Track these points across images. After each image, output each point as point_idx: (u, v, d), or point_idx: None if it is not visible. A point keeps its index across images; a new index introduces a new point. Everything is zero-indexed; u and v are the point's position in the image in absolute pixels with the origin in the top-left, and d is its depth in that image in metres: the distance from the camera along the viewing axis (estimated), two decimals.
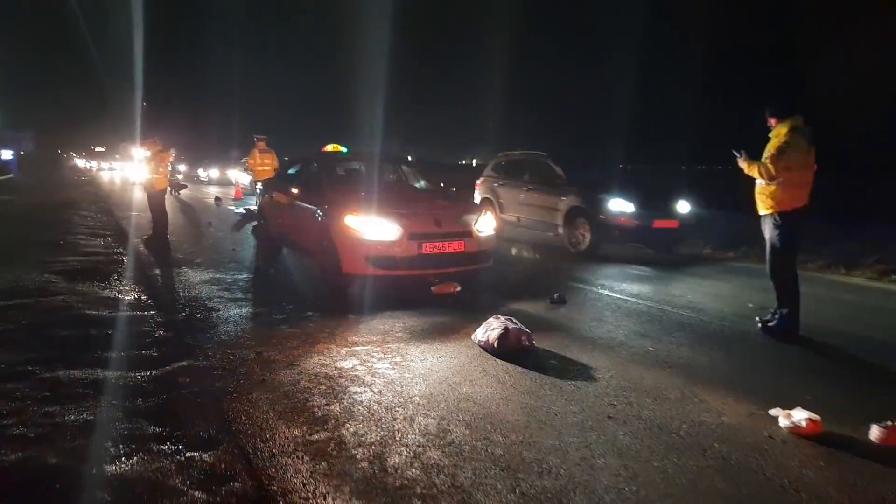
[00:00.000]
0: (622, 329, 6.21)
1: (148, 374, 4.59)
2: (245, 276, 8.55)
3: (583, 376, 4.85)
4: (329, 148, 9.94)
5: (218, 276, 8.46)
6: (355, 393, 4.37)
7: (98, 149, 78.28)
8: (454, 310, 6.84)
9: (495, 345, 5.13)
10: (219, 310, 6.56)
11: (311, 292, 7.54)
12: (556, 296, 7.19)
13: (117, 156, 58.15)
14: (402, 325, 6.11)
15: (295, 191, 8.49)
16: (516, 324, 5.32)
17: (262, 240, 10.14)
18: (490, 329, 5.28)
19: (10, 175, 37.36)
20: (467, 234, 7.43)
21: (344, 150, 10.10)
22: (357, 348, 5.36)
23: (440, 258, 7.22)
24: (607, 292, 7.99)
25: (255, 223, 13.20)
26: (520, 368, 4.92)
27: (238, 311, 6.56)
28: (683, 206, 11.41)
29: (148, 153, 11.25)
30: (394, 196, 7.91)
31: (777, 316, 6.16)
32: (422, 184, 8.98)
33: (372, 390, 4.44)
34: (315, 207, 7.96)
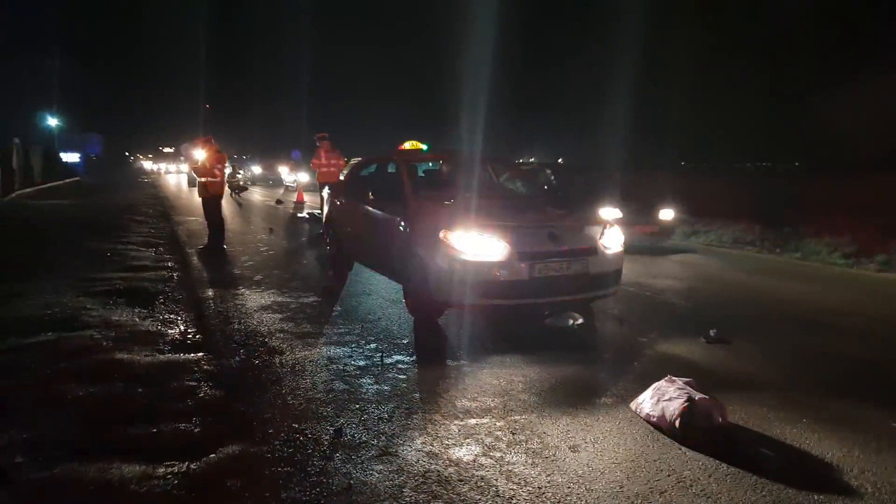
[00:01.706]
0: (818, 382, 4.49)
1: (182, 468, 3.16)
2: (312, 298, 7.14)
3: (822, 477, 3.20)
4: (407, 146, 8.47)
5: (281, 298, 7.07)
6: None
7: (166, 150, 79.02)
8: (582, 352, 5.23)
9: (677, 424, 3.50)
10: (282, 352, 5.12)
11: (394, 324, 6.05)
12: (713, 333, 5.48)
13: (181, 157, 58.73)
14: (523, 380, 4.53)
15: (371, 196, 7.04)
16: (701, 393, 3.67)
17: (332, 253, 8.75)
18: (664, 398, 3.65)
19: (77, 178, 37.52)
20: (591, 251, 5.81)
21: (424, 148, 8.62)
22: (472, 422, 3.82)
23: (557, 283, 5.63)
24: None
25: (319, 231, 11.95)
26: (725, 467, 3.29)
27: (306, 353, 5.11)
28: (667, 214, 12.05)
29: (203, 154, 10.04)
30: (495, 205, 6.34)
31: None
32: (525, 188, 7.38)
33: None
34: (397, 218, 6.48)
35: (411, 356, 5.08)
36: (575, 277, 5.69)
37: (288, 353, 5.07)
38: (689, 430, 3.45)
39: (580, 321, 5.81)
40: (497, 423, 3.79)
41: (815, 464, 3.40)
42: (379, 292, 7.40)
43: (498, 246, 5.51)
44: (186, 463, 3.21)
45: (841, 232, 11.88)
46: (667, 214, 12.07)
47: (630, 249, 7.43)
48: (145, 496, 2.92)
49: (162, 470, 3.14)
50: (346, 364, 4.84)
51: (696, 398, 3.54)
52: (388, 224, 6.74)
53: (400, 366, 4.83)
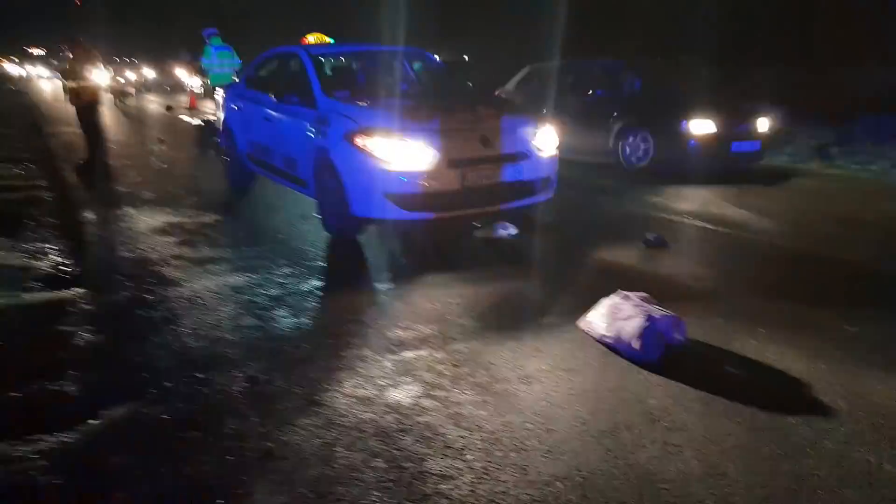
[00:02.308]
0: (773, 285, 4.26)
1: (53, 443, 2.53)
2: (212, 217, 6.34)
3: (793, 396, 2.94)
4: (311, 39, 7.51)
5: (175, 219, 6.23)
6: (438, 477, 2.38)
7: (35, 51, 69.52)
8: (519, 266, 4.80)
9: (636, 346, 3.14)
10: (178, 283, 4.42)
11: (308, 244, 5.40)
12: (651, 237, 5.16)
13: (54, 61, 52.02)
14: (459, 302, 4.05)
15: (274, 98, 6.16)
16: (661, 309, 3.30)
17: (231, 165, 7.83)
18: (619, 317, 3.26)
19: None
20: (525, 155, 5.29)
21: (331, 42, 7.68)
22: (408, 355, 3.33)
23: (491, 191, 5.12)
24: (696, 222, 5.99)
25: (215, 139, 10.84)
26: (692, 391, 2.96)
27: (207, 282, 4.43)
28: (763, 125, 8.79)
29: (71, 55, 8.67)
30: (420, 106, 5.65)
31: None
32: (451, 86, 6.67)
33: (467, 464, 2.45)
34: (306, 122, 5.69)
35: (331, 281, 4.49)
36: (509, 184, 5.19)
37: (186, 284, 4.37)
38: (649, 351, 3.09)
39: (513, 231, 5.35)
40: (436, 355, 3.32)
41: (782, 380, 3.13)
42: (288, 208, 6.67)
43: (425, 152, 4.89)
44: (59, 436, 2.58)
45: None
46: (762, 125, 8.66)
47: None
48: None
49: (25, 448, 2.49)
50: (255, 294, 4.20)
51: (657, 316, 3.17)
52: (295, 130, 5.94)
53: (319, 293, 4.25)
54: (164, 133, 13.91)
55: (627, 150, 8.65)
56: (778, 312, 3.89)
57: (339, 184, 5.18)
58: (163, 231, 5.78)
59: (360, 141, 4.99)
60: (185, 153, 10.99)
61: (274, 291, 4.24)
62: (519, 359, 3.28)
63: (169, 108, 19.91)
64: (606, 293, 3.67)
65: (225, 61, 12.19)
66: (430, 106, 5.63)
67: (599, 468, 2.44)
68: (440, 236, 5.24)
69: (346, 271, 4.67)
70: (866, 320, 3.77)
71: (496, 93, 10.01)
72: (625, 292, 3.39)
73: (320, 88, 5.87)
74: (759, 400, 2.90)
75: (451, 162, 4.93)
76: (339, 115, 5.42)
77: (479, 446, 2.57)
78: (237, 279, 4.49)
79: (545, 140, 5.52)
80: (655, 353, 3.13)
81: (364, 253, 5.06)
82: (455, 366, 3.21)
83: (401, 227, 5.12)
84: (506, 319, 3.77)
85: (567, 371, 3.15)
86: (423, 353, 3.34)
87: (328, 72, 6.52)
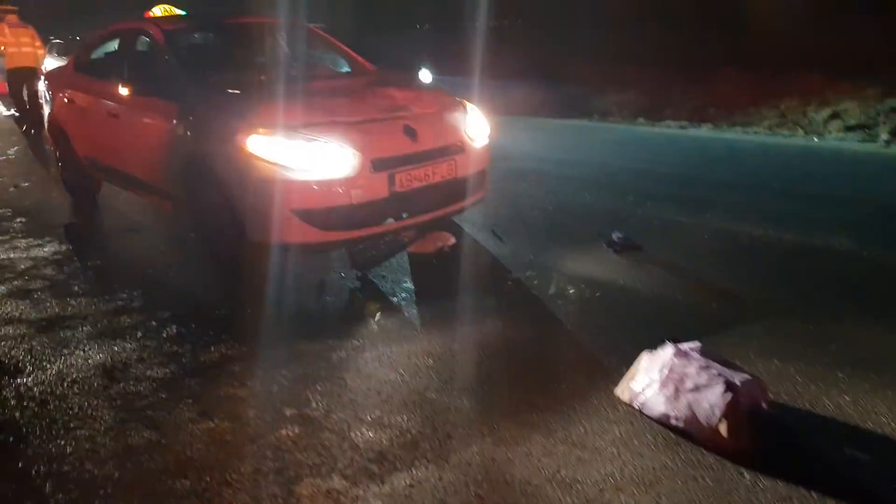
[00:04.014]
0: (803, 289, 3.65)
1: None
2: (51, 247, 4.85)
3: None
4: (158, 12, 6.00)
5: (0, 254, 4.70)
6: None
7: None
8: (481, 293, 3.85)
9: (723, 431, 2.30)
10: (19, 369, 3.08)
11: (192, 282, 4.16)
12: (617, 237, 4.40)
13: None
14: (431, 364, 3.03)
15: (122, 89, 4.74)
16: (732, 365, 2.51)
17: (66, 172, 6.22)
18: (687, 387, 2.38)
19: None
20: (458, 147, 4.34)
21: (182, 14, 6.21)
22: (400, 484, 2.29)
23: (423, 196, 4.13)
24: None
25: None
26: (813, 496, 2.19)
27: (63, 364, 3.12)
28: (425, 76, 10.95)
29: None
30: (317, 90, 4.49)
31: None
32: (339, 63, 5.48)
33: None
34: (173, 120, 4.38)
35: (240, 344, 3.30)
36: (444, 185, 4.22)
37: (30, 372, 3.05)
38: (740, 435, 2.28)
39: (451, 242, 4.41)
40: (444, 478, 2.28)
41: None
42: (150, 227, 5.29)
43: (341, 153, 3.81)
44: None
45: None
46: (425, 76, 11.05)
47: None
48: None
49: None
50: (138, 380, 2.97)
51: (737, 381, 2.36)
52: (156, 129, 4.60)
53: (231, 368, 3.07)
54: None
55: None
56: (839, 338, 3.17)
57: (226, 200, 3.98)
58: None
59: (252, 142, 3.81)
60: (3, 155, 8.94)
61: (162, 371, 3.03)
62: (563, 468, 2.29)
63: None
64: (612, 328, 2.86)
65: (24, 41, 10.04)
66: (332, 90, 4.49)
67: None
68: (365, 260, 4.19)
69: (255, 323, 3.51)
70: None
71: None
72: (674, 345, 2.56)
73: (186, 74, 4.55)
74: None
75: (374, 163, 3.88)
76: (217, 109, 4.18)
77: None
78: (105, 352, 3.22)
79: (477, 127, 4.59)
80: (748, 438, 2.31)
81: (270, 291, 3.90)
82: (481, 499, 2.22)
83: (313, 251, 4.01)
84: (508, 389, 2.81)
85: (639, 486, 2.20)
86: (420, 474, 2.31)
87: (189, 53, 5.14)
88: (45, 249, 4.81)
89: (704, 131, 9.53)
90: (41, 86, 6.64)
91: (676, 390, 2.40)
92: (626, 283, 3.89)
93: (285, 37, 5.48)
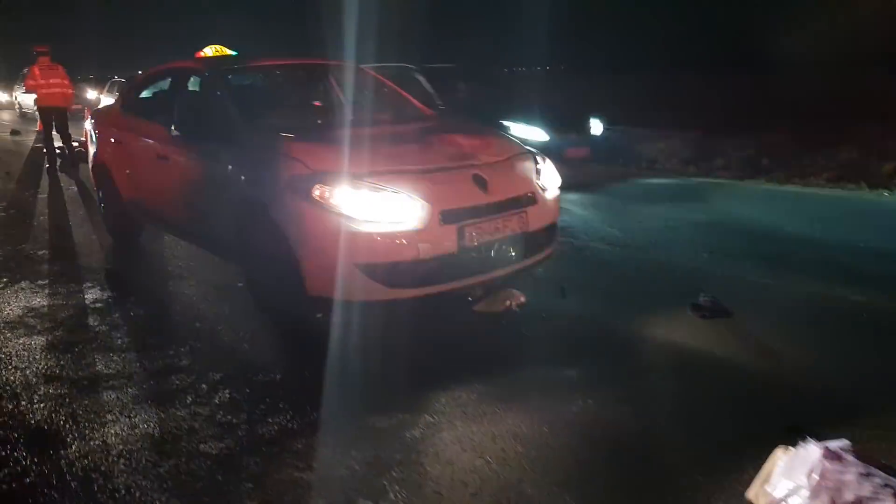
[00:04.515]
0: None
1: None
2: (93, 293, 4.61)
3: None
4: (209, 52, 5.87)
5: (39, 301, 4.46)
6: None
7: None
8: (560, 361, 3.48)
9: None
10: (61, 439, 2.77)
11: (245, 338, 3.87)
12: (702, 300, 4.02)
13: None
14: (522, 451, 2.65)
15: (173, 131, 4.55)
16: (889, 468, 2.13)
17: (109, 213, 6.03)
18: (843, 498, 1.99)
19: None
20: (530, 199, 4.04)
21: (233, 55, 6.08)
22: None
23: (495, 251, 3.82)
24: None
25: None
26: None
27: (108, 431, 2.82)
28: (596, 127, 9.53)
29: None
30: (379, 136, 4.23)
31: None
32: (404, 107, 5.23)
33: None
34: (228, 165, 4.15)
35: (301, 416, 2.97)
36: (513, 239, 3.91)
37: (73, 441, 2.75)
38: None
39: (522, 300, 4.07)
40: None
41: None
42: (197, 273, 5.04)
43: (410, 203, 3.53)
44: None
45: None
46: (596, 127, 9.43)
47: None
48: None
49: None
50: (188, 455, 2.65)
51: None
52: (208, 173, 4.38)
53: (293, 447, 2.73)
54: (11, 164, 11.49)
55: None
56: None
57: (286, 252, 3.71)
58: (20, 326, 4.03)
59: (317, 191, 3.55)
60: (42, 191, 8.85)
61: (217, 446, 2.70)
62: None
63: (15, 132, 17.03)
64: (716, 411, 2.49)
65: (53, 81, 10.30)
66: (396, 136, 4.23)
67: None
68: (428, 319, 3.86)
69: (315, 389, 3.17)
70: None
71: None
72: (820, 444, 2.18)
73: (240, 117, 4.34)
74: None
75: (444, 215, 3.59)
76: (276, 155, 3.94)
77: None
78: (153, 420, 2.91)
79: (549, 176, 4.30)
80: None
81: (330, 351, 3.57)
82: None
83: (377, 309, 3.70)
84: (615, 485, 2.41)
85: None
86: None
87: (243, 94, 4.95)
88: (87, 297, 4.57)
89: (760, 184, 9.14)
90: (87, 125, 6.51)
91: (833, 502, 2.01)
92: (721, 355, 3.51)
93: (342, 79, 5.27)
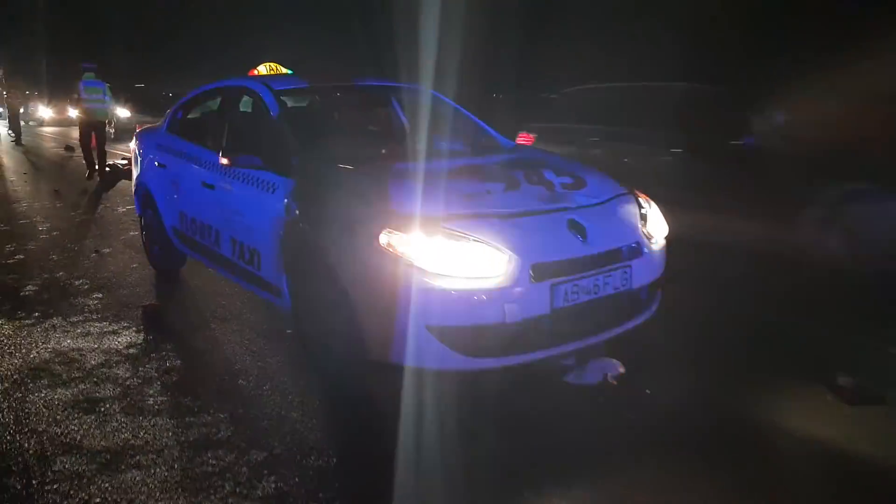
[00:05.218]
0: None
1: None
2: (126, 336, 4.14)
3: None
4: (263, 70, 5.42)
5: (69, 342, 4.00)
6: None
7: None
8: (667, 449, 2.84)
9: None
10: None
11: (293, 403, 3.31)
12: (843, 380, 3.29)
13: None
14: None
15: (218, 156, 4.07)
16: None
17: (150, 242, 5.60)
18: None
19: None
20: (634, 250, 3.41)
21: (288, 73, 5.62)
22: None
23: (592, 311, 3.20)
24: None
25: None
26: None
27: None
28: None
29: None
30: (457, 171, 3.67)
31: None
32: (478, 138, 4.66)
33: None
34: (279, 199, 3.64)
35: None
36: (615, 298, 3.29)
37: None
38: None
39: (620, 370, 3.43)
40: None
41: None
42: (242, 315, 4.53)
43: (496, 256, 2.95)
44: None
45: None
46: None
47: None
48: None
49: None
50: None
51: None
52: (257, 208, 3.88)
53: None
54: (61, 181, 11.35)
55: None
56: None
57: (345, 305, 3.16)
58: (45, 375, 3.56)
59: (384, 236, 3.00)
60: (86, 211, 8.57)
61: None
62: None
63: (69, 148, 17.12)
64: None
65: (95, 98, 10.92)
66: (475, 172, 3.66)
67: None
68: (509, 393, 3.25)
69: (382, 482, 2.59)
70: None
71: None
72: None
73: (298, 144, 3.84)
74: None
75: (535, 269, 3.00)
76: (339, 191, 3.42)
77: None
78: None
79: (656, 223, 3.67)
80: None
81: (399, 432, 2.97)
82: None
83: (451, 380, 3.10)
84: None
85: None
86: None
87: (301, 118, 4.45)
88: (120, 339, 4.09)
89: None
90: (132, 144, 6.13)
91: None
92: (882, 454, 2.81)
93: (409, 103, 4.74)
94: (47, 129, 22.18)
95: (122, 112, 18.50)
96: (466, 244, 2.96)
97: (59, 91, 28.43)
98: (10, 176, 11.99)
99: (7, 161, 14.76)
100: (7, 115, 22.27)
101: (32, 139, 20.80)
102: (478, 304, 2.92)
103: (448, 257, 2.93)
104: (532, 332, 3.02)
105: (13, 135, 19.70)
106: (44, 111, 34.17)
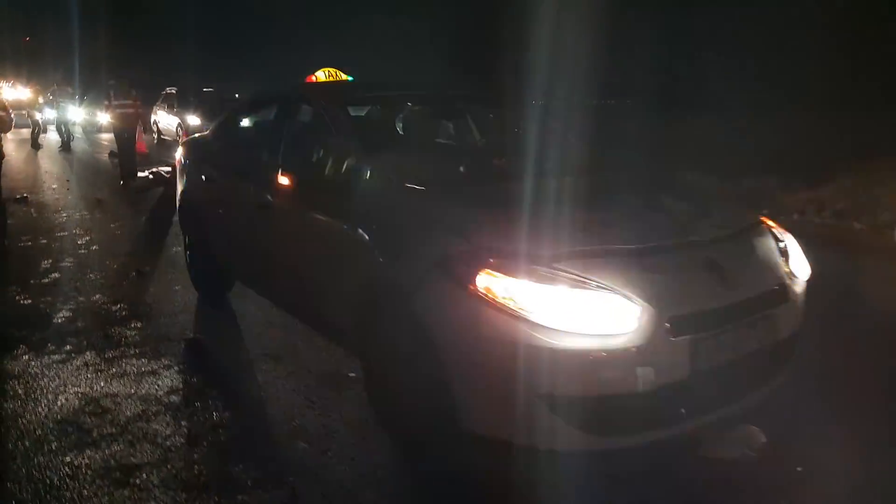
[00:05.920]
0: None
1: None
2: (167, 377, 3.62)
3: None
4: (322, 76, 4.91)
5: (103, 386, 3.49)
6: None
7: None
8: None
9: None
10: None
11: (359, 477, 2.74)
12: None
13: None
14: None
15: (283, 177, 3.54)
16: None
17: (194, 264, 5.11)
18: None
19: None
20: (780, 293, 2.77)
21: (349, 80, 5.09)
22: None
23: (735, 373, 2.56)
24: None
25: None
26: None
27: None
28: None
29: None
30: (564, 195, 3.05)
31: None
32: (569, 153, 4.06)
33: None
34: (352, 226, 3.07)
35: None
36: (759, 355, 2.65)
37: None
38: None
39: (762, 441, 2.78)
40: None
41: None
42: (297, 354, 3.97)
43: (626, 307, 2.34)
44: None
45: None
46: None
47: None
48: None
49: None
50: None
51: None
52: (324, 233, 3.32)
53: None
54: (105, 190, 11.04)
55: None
56: None
57: (432, 362, 2.57)
58: (72, 430, 3.05)
59: (482, 279, 2.41)
60: (129, 223, 8.18)
61: None
62: None
63: (113, 154, 16.96)
64: None
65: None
66: (584, 195, 3.02)
67: None
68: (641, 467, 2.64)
69: None
70: None
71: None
72: None
73: (370, 162, 3.26)
74: None
75: (673, 323, 2.37)
76: (422, 219, 2.84)
77: None
78: None
79: (797, 259, 3.02)
80: None
81: None
82: None
83: (573, 461, 2.49)
84: None
85: None
86: None
87: (371, 131, 3.89)
88: (160, 382, 3.57)
89: None
90: (177, 154, 5.66)
91: None
92: None
93: (489, 114, 4.14)
94: (104, 136, 22.11)
95: (192, 119, 18.08)
96: (589, 292, 2.35)
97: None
98: (53, 183, 11.74)
99: (51, 167, 14.61)
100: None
101: (88, 145, 20.73)
102: (603, 369, 2.31)
103: (564, 308, 2.33)
104: (670, 401, 2.39)
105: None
106: (102, 116, 34.29)
